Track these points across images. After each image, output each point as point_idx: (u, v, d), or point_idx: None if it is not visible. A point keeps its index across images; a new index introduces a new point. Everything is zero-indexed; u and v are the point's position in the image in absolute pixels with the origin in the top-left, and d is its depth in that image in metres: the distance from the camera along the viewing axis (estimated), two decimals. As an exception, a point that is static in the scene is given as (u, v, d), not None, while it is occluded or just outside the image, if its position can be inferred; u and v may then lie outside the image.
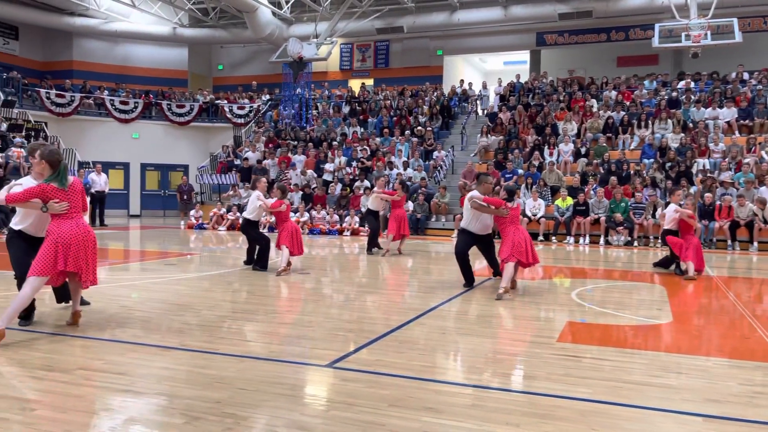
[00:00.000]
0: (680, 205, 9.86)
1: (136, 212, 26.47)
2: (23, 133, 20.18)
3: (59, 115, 24.31)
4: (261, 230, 10.46)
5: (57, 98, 24.43)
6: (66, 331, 5.25)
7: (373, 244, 12.75)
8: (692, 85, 20.86)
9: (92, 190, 18.55)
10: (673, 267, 10.02)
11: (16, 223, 5.50)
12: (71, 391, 3.78)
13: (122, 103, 25.72)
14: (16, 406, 3.47)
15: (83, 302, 5.86)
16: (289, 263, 9.43)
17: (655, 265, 10.53)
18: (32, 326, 5.43)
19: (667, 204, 11.30)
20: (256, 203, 9.61)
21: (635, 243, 15.39)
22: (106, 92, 25.91)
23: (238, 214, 18.53)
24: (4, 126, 19.90)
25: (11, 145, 18.66)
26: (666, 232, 9.90)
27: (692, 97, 19.95)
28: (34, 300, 5.29)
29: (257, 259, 9.68)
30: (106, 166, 22.20)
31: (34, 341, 4.94)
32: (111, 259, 11.35)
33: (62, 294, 5.91)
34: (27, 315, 5.45)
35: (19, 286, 5.34)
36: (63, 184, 5.19)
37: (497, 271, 8.54)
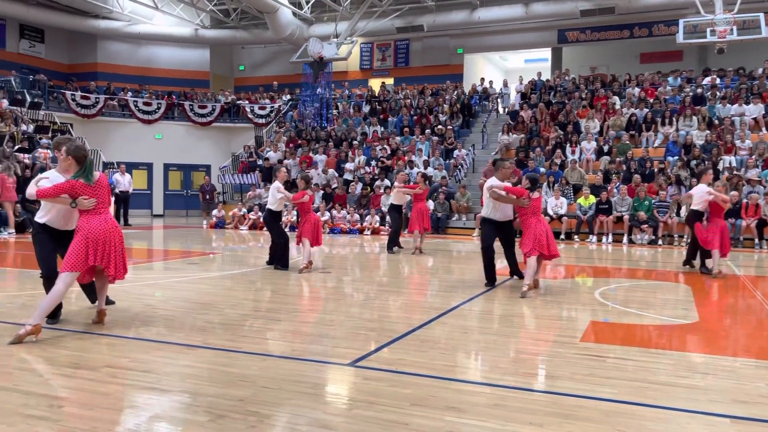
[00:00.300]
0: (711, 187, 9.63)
1: (159, 212, 26.79)
2: (50, 135, 20.52)
3: (84, 116, 24.70)
4: (283, 228, 10.43)
5: (82, 100, 24.83)
6: (92, 329, 5.33)
7: (394, 242, 12.74)
8: (718, 81, 20.52)
9: (116, 190, 18.80)
10: (697, 265, 9.86)
11: (40, 216, 5.53)
12: (98, 388, 3.83)
13: (145, 104, 26.06)
14: (44, 403, 3.53)
15: (108, 302, 5.94)
16: (310, 261, 9.48)
17: (685, 264, 10.31)
18: (59, 324, 5.52)
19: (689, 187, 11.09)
20: (276, 194, 9.54)
21: (660, 242, 15.20)
22: (129, 93, 26.26)
23: (260, 213, 18.67)
24: (31, 127, 20.26)
25: (38, 146, 19.00)
26: (693, 214, 9.65)
27: (718, 93, 19.62)
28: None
29: (278, 258, 9.73)
30: (130, 167, 22.51)
31: (61, 339, 5.02)
32: (135, 258, 11.50)
33: (93, 293, 5.96)
34: (54, 313, 5.53)
35: (46, 284, 5.42)
36: (89, 179, 5.26)
37: (514, 270, 8.47)
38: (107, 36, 28.18)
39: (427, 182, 13.16)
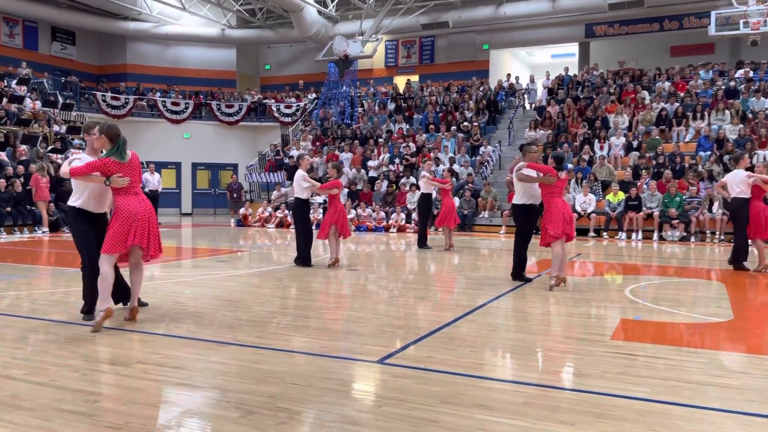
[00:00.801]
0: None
1: (187, 210, 27.14)
2: (81, 135, 20.91)
3: (114, 117, 25.11)
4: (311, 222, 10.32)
5: (112, 101, 25.27)
6: (124, 326, 5.41)
7: (423, 236, 12.69)
8: (752, 74, 20.05)
9: (146, 189, 19.09)
10: (737, 261, 9.52)
11: (74, 200, 5.57)
12: (131, 384, 3.89)
13: (173, 104, 26.40)
14: (79, 399, 3.60)
15: (141, 304, 6.00)
16: (337, 259, 9.51)
17: (736, 264, 9.62)
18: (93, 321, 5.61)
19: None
20: (302, 183, 9.48)
21: (692, 239, 14.92)
22: (158, 94, 26.63)
23: (287, 211, 18.80)
24: (64, 128, 20.67)
25: (71, 146, 19.37)
26: (739, 203, 9.23)
27: (752, 86, 19.17)
28: (96, 294, 5.47)
29: (300, 255, 9.71)
30: (159, 166, 22.81)
31: (94, 336, 5.11)
32: (165, 256, 11.65)
33: (119, 294, 5.95)
34: (89, 309, 5.63)
35: (89, 273, 5.51)
36: (122, 157, 5.32)
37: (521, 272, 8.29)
38: (136, 37, 28.61)
39: (453, 177, 13.05)
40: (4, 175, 16.10)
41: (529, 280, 8.09)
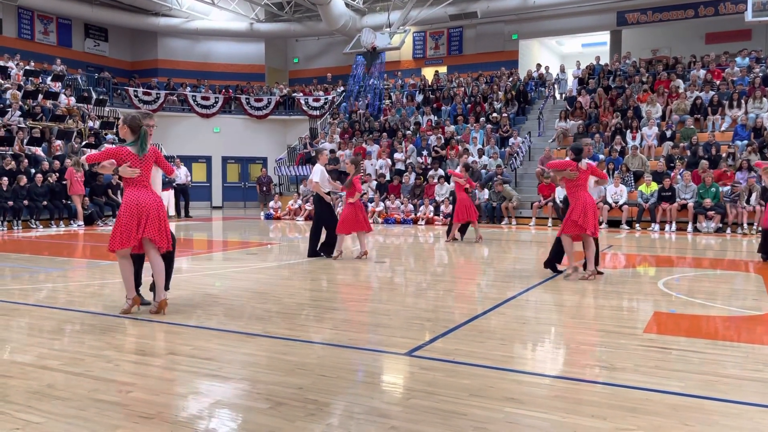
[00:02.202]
0: None
1: (218, 204, 27.47)
2: (114, 130, 21.28)
3: (146, 112, 25.48)
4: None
5: (144, 96, 25.67)
6: (156, 318, 5.50)
7: (461, 230, 12.57)
8: (790, 60, 19.46)
9: (174, 183, 19.36)
10: None
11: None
12: (163, 374, 3.96)
13: (203, 98, 26.70)
14: (113, 389, 3.67)
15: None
16: (365, 252, 9.54)
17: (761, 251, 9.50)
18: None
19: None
20: (321, 176, 9.41)
21: (728, 230, 14.57)
22: (188, 89, 26.96)
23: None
24: (97, 123, 21.07)
25: (104, 141, 19.73)
26: None
27: (791, 73, 18.61)
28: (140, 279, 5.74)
29: (323, 245, 9.72)
30: (190, 160, 23.14)
31: (127, 327, 5.21)
32: (195, 249, 11.82)
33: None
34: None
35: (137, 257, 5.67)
36: (141, 150, 5.39)
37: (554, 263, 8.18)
38: (167, 33, 28.96)
39: (468, 172, 12.74)
40: (40, 169, 16.49)
41: (558, 272, 8.00)
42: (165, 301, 5.63)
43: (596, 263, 7.86)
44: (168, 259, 5.71)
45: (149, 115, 5.94)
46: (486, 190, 17.72)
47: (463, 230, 12.68)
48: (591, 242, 7.56)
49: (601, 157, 17.45)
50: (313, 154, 9.86)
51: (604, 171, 16.60)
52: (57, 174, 16.51)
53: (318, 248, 9.80)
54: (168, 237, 5.56)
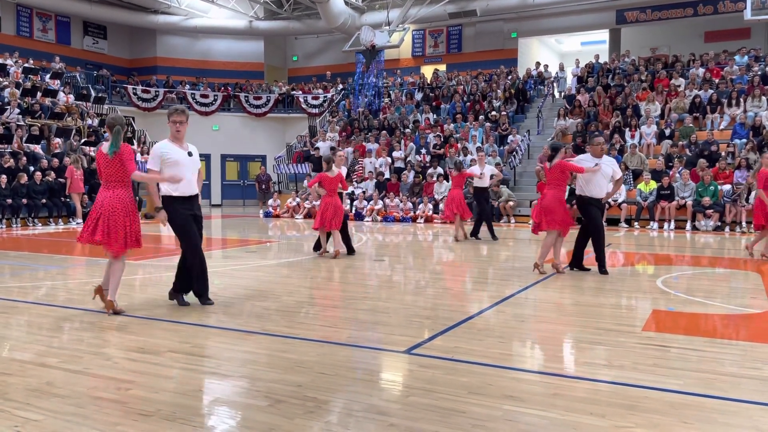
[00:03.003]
0: None
1: (217, 202, 27.45)
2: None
3: (145, 110, 25.49)
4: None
5: (143, 94, 25.64)
6: (155, 316, 5.50)
7: (490, 230, 12.48)
8: (789, 58, 19.46)
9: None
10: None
11: (165, 191, 5.73)
12: (162, 372, 3.96)
13: (202, 96, 26.67)
14: (112, 386, 3.67)
15: (207, 303, 5.97)
16: (325, 250, 9.72)
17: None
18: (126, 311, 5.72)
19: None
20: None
21: (726, 228, 14.59)
22: (187, 86, 26.93)
23: (315, 202, 18.86)
24: (96, 121, 21.05)
25: (103, 139, 19.70)
26: None
27: (789, 71, 18.61)
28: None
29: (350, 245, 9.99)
30: (189, 158, 23.02)
31: (127, 325, 5.21)
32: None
33: (187, 285, 5.98)
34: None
35: (192, 256, 5.74)
36: (111, 149, 5.39)
37: (580, 262, 8.24)
38: (166, 30, 28.92)
39: (458, 169, 12.60)
40: (39, 167, 16.48)
41: (586, 270, 8.10)
42: (111, 302, 5.55)
43: (602, 263, 7.96)
44: (196, 266, 5.77)
45: (177, 111, 5.83)
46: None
47: (478, 229, 12.59)
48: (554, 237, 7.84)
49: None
50: (327, 162, 9.96)
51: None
52: (54, 172, 16.49)
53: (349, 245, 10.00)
54: (119, 240, 5.44)
